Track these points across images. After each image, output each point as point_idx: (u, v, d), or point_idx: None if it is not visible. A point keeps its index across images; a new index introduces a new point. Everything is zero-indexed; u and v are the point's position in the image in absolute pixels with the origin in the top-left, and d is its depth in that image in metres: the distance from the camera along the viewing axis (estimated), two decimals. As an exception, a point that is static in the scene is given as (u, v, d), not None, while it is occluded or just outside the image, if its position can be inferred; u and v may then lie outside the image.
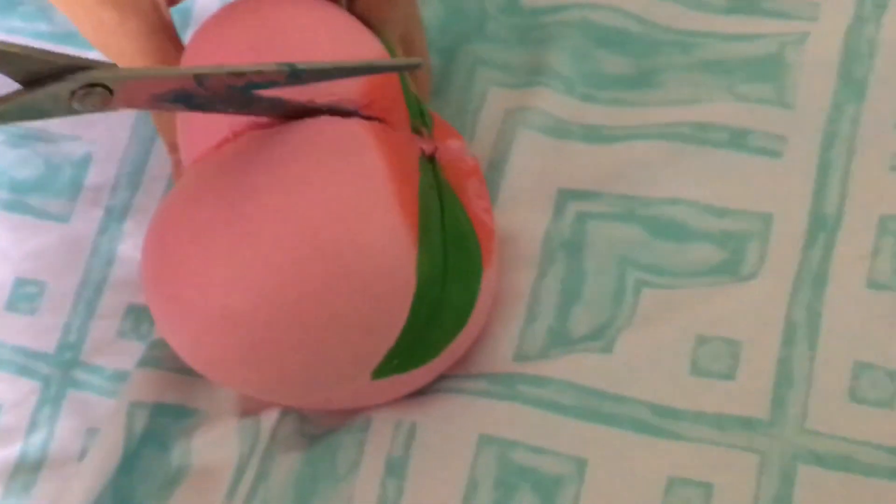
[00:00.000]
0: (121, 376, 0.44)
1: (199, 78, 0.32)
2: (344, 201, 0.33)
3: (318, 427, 0.41)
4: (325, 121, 0.35)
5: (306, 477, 0.39)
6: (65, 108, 0.30)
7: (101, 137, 0.48)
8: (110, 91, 0.31)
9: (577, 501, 0.36)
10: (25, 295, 0.46)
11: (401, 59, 0.39)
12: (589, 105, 0.43)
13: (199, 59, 0.37)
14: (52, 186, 0.47)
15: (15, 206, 0.47)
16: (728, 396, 0.37)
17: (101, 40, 0.38)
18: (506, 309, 0.40)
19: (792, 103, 0.41)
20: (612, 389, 0.37)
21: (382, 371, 0.36)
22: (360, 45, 0.37)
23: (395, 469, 0.38)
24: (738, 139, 0.41)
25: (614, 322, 0.39)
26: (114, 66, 0.30)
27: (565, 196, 0.42)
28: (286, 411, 0.41)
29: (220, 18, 0.38)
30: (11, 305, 0.46)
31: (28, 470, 0.43)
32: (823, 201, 0.39)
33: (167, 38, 0.38)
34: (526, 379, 0.38)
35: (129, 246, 0.46)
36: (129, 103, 0.32)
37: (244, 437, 0.40)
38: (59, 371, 0.44)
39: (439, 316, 0.36)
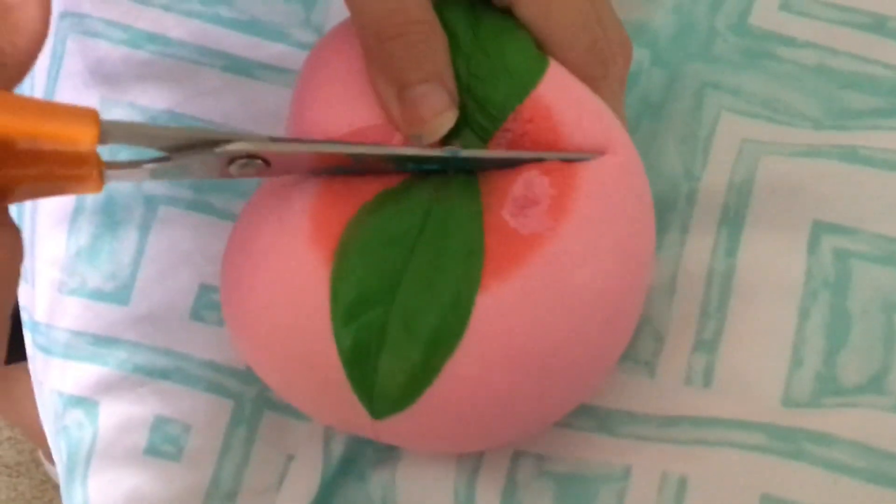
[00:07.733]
0: (324, 400, 0.40)
1: (356, 157, 0.33)
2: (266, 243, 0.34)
3: (560, 463, 0.37)
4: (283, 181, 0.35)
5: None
6: (218, 174, 0.31)
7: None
8: (267, 163, 0.31)
9: (874, 574, 0.34)
10: (212, 303, 0.42)
11: (571, 154, 0.34)
12: (843, 133, 0.41)
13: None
14: (235, 186, 0.43)
15: (198, 206, 0.43)
16: None
17: None
18: (768, 345, 0.38)
19: None
20: (905, 454, 0.35)
21: (378, 412, 0.33)
22: None
23: (666, 527, 0.35)
24: None
25: (889, 373, 0.36)
26: (268, 139, 0.31)
27: (819, 230, 0.39)
28: (519, 453, 0.38)
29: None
30: (197, 314, 0.42)
31: (221, 498, 0.39)
32: None
33: None
34: (810, 436, 0.35)
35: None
36: (287, 171, 0.33)
37: (460, 474, 0.37)
38: (254, 389, 0.41)
39: (393, 341, 0.32)
